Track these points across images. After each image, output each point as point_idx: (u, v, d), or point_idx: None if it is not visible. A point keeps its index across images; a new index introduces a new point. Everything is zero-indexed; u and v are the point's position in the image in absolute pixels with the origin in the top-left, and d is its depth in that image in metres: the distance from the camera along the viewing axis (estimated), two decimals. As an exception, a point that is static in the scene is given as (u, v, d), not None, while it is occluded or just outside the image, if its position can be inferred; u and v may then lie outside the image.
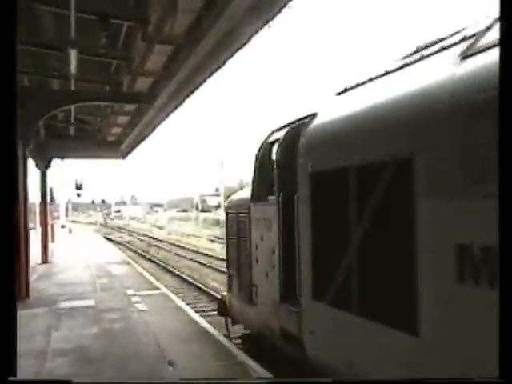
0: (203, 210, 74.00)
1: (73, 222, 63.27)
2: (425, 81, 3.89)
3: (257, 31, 8.47)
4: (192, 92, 12.07)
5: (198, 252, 27.83)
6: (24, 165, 12.14)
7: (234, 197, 8.94)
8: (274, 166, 6.46)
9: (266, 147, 7.04)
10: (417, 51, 4.90)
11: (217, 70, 10.18)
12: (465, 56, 3.67)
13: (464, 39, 4.03)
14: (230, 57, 9.42)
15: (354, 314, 4.51)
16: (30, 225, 13.40)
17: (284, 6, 7.40)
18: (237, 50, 9.09)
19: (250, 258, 7.31)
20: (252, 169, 7.47)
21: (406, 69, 4.64)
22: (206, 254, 26.33)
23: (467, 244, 3.23)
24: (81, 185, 40.49)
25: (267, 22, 8.13)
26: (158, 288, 13.52)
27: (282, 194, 6.19)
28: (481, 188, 3.18)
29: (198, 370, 6.65)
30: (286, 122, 6.58)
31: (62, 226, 46.98)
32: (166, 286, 14.53)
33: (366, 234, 4.37)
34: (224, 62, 9.69)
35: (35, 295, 12.24)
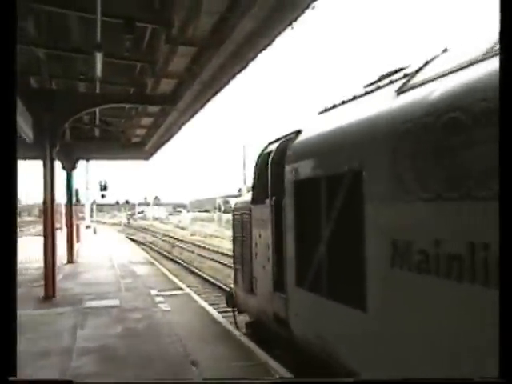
0: (226, 211, 74.24)
1: (97, 222, 64.08)
2: (372, 109, 4.99)
3: (280, 32, 8.47)
4: (215, 93, 12.14)
5: (220, 253, 27.92)
6: (51, 166, 12.35)
7: (240, 199, 10.43)
8: (269, 174, 7.55)
9: (263, 157, 8.13)
10: (374, 82, 6.06)
11: (240, 71, 10.22)
12: (399, 92, 4.73)
13: (403, 77, 5.15)
14: (253, 58, 9.45)
15: (324, 296, 5.56)
16: (57, 225, 13.60)
17: (307, 7, 7.38)
18: (260, 51, 9.11)
19: (251, 253, 8.44)
20: (253, 175, 8.73)
21: (365, 97, 5.80)
22: (229, 255, 26.39)
23: (397, 239, 4.17)
24: (105, 186, 40.91)
25: (290, 24, 8.13)
26: (181, 288, 13.62)
27: (274, 197, 7.26)
28: (406, 195, 4.06)
29: (220, 370, 6.67)
30: (279, 136, 7.72)
31: (87, 227, 47.59)
32: (189, 287, 14.64)
33: (331, 232, 5.42)
34: (247, 64, 9.72)
35: (61, 294, 12.45)
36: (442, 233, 3.65)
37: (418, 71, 4.92)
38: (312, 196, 5.80)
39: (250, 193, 8.94)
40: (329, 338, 5.56)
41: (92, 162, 46.09)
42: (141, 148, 23.12)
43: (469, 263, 3.37)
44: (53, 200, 12.61)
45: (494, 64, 3.40)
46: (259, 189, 8.12)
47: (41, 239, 11.95)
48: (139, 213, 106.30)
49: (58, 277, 13.38)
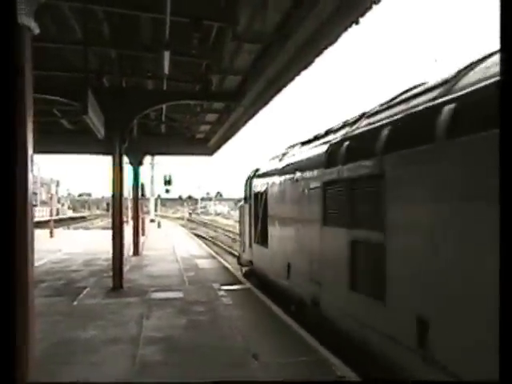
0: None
1: (161, 216, 65.81)
2: (287, 161, 11.26)
3: (346, 29, 8.36)
4: (280, 90, 12.14)
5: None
6: (120, 161, 12.81)
7: (241, 202, 17.57)
8: (247, 188, 15.54)
9: (246, 179, 15.94)
10: (318, 136, 10.24)
11: (305, 68, 10.17)
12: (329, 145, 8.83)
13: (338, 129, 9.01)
14: (318, 55, 9.37)
15: (264, 246, 12.63)
16: (123, 219, 14.10)
17: (375, 2, 7.24)
18: (325, 47, 9.03)
19: (244, 230, 16.32)
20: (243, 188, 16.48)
21: (307, 146, 10.40)
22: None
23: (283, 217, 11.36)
24: (170, 180, 41.93)
25: (356, 20, 8.01)
26: (242, 283, 13.77)
27: (250, 200, 15.09)
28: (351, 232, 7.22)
29: (279, 365, 6.71)
30: (256, 168, 15.22)
31: (152, 221, 49.00)
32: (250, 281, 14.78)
33: (264, 216, 12.74)
34: (312, 61, 9.66)
35: (128, 285, 12.89)
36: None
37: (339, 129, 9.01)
38: (260, 201, 13.29)
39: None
40: (264, 267, 13.10)
41: (157, 158, 47.54)
42: (205, 144, 23.51)
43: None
44: (121, 194, 13.08)
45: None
46: (244, 195, 16.28)
47: (108, 232, 12.46)
48: (202, 208, 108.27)
49: (125, 268, 13.84)
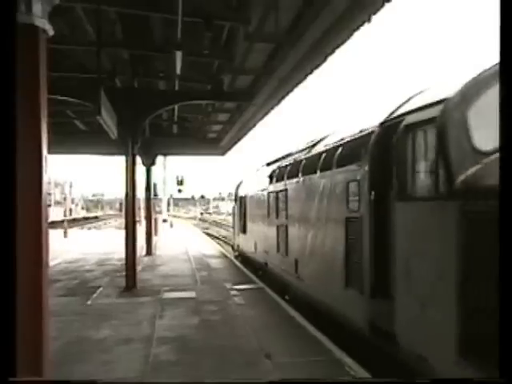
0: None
1: (174, 216, 66.03)
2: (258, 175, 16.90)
3: (358, 27, 8.33)
4: (292, 89, 12.14)
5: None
6: (133, 162, 12.87)
7: (233, 204, 23.58)
8: (235, 194, 22.01)
9: (236, 186, 21.70)
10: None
11: (317, 66, 10.15)
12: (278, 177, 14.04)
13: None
14: (331, 53, 9.35)
15: (244, 234, 18.77)
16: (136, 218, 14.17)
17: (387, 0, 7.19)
18: (338, 46, 9.01)
19: (234, 223, 22.63)
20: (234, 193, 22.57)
21: (267, 167, 15.66)
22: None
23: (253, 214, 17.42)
24: (182, 181, 42.10)
25: (369, 17, 7.96)
26: (254, 282, 13.78)
27: (237, 203, 20.96)
28: (277, 221, 12.79)
29: (292, 365, 6.69)
30: (240, 180, 21.50)
31: (164, 221, 49.16)
32: (262, 280, 14.76)
33: (245, 214, 18.45)
34: (325, 58, 9.63)
35: (140, 285, 12.95)
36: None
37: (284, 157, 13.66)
38: (243, 202, 18.75)
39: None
40: (244, 247, 18.86)
41: (169, 158, 47.68)
42: (217, 143, 23.57)
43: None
44: (134, 194, 13.14)
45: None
46: (234, 199, 22.15)
47: (120, 232, 12.50)
48: (214, 207, 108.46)
49: (138, 268, 13.90)
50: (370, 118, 7.53)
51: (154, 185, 28.84)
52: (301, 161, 10.75)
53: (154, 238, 24.21)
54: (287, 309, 10.31)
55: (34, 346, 3.95)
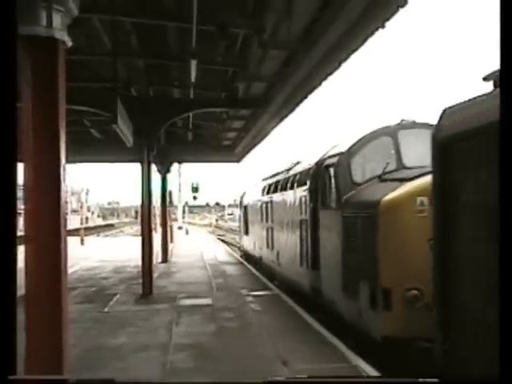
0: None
1: (189, 223, 66.19)
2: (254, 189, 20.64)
3: (372, 32, 8.31)
4: (307, 95, 12.13)
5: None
6: (148, 170, 12.97)
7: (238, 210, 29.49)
8: (240, 202, 26.10)
9: (241, 196, 25.79)
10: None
11: (332, 72, 10.14)
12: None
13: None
14: (345, 59, 9.34)
15: (246, 235, 22.26)
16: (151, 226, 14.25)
17: (403, 5, 7.17)
18: (352, 52, 8.99)
19: (240, 227, 26.29)
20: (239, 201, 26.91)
21: (262, 182, 19.31)
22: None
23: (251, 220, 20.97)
24: (197, 187, 42.28)
25: (383, 23, 7.95)
26: (270, 289, 13.76)
27: (241, 210, 24.47)
28: (266, 224, 16.55)
29: (309, 371, 6.65)
30: (244, 191, 25.47)
31: (179, 228, 49.29)
32: (278, 287, 14.72)
33: (248, 219, 21.73)
34: (339, 64, 9.62)
35: (157, 292, 13.00)
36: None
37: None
38: (245, 210, 22.66)
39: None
40: (247, 246, 22.31)
41: (184, 165, 47.87)
42: (232, 151, 23.63)
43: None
44: (150, 202, 13.23)
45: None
46: (239, 207, 26.38)
47: (136, 239, 12.58)
48: (229, 214, 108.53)
49: (154, 275, 13.96)
50: (316, 156, 11.13)
51: (170, 192, 29.01)
52: (279, 180, 15.01)
53: (170, 245, 24.32)
54: (303, 315, 10.27)
55: (55, 352, 3.99)
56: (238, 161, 25.58)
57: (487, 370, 3.86)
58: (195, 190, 42.65)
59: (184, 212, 57.96)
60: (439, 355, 4.88)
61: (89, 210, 75.24)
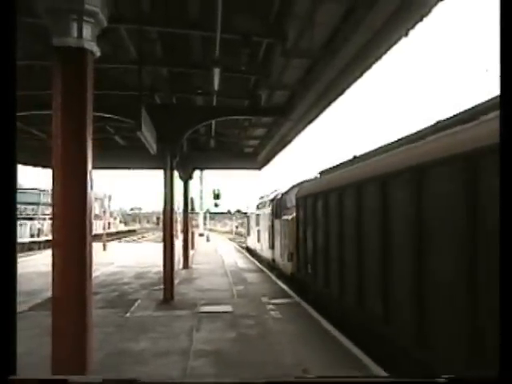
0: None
1: (210, 230, 66.46)
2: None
3: (395, 42, 8.31)
4: (329, 103, 12.16)
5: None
6: (171, 176, 13.11)
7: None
8: (246, 213, 38.43)
9: (247, 209, 37.90)
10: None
11: (354, 81, 10.16)
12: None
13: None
14: (367, 68, 9.35)
15: (248, 236, 33.15)
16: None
17: (427, 13, 7.16)
18: (375, 60, 9.00)
19: (247, 231, 35.42)
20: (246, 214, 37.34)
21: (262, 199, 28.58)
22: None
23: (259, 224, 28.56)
24: (218, 194, 42.48)
25: (407, 32, 7.94)
26: (291, 296, 13.73)
27: (248, 219, 34.26)
28: (257, 228, 27.68)
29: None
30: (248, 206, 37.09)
31: (201, 235, 49.57)
32: (298, 295, 14.68)
33: (250, 225, 31.55)
34: (362, 73, 9.64)
35: (178, 298, 13.09)
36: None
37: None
38: (250, 219, 31.96)
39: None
40: (251, 245, 31.12)
41: (206, 172, 48.17)
42: (253, 158, 23.70)
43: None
44: (172, 208, 13.35)
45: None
46: (246, 216, 36.38)
47: (157, 245, 12.69)
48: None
49: (175, 281, 14.04)
50: (285, 187, 20.15)
51: (191, 199, 29.22)
52: (263, 202, 25.20)
53: (191, 252, 24.45)
54: (323, 323, 10.23)
55: (80, 355, 4.07)
56: (259, 168, 25.64)
57: (306, 270, 13.55)
58: (217, 196, 42.89)
59: (205, 219, 58.26)
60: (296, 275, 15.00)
61: (111, 216, 76.07)
